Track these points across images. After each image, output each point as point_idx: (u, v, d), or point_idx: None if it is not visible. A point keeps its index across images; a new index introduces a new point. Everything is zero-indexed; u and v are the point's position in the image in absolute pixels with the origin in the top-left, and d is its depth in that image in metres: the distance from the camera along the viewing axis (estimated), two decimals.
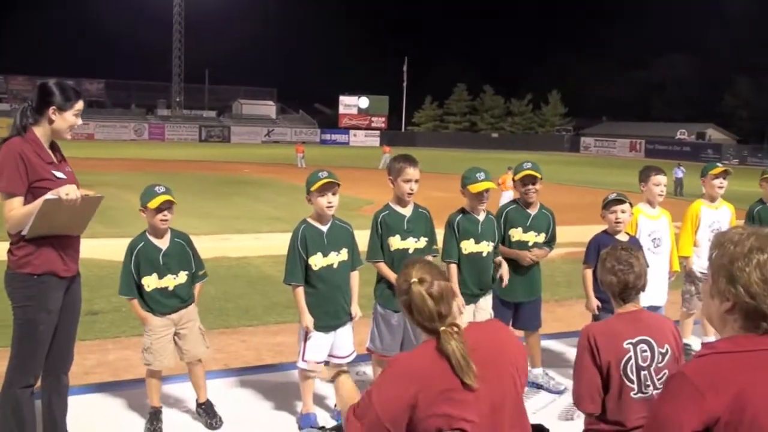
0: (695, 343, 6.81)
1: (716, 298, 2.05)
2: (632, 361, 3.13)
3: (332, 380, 2.97)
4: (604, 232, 5.59)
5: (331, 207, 4.84)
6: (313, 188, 4.79)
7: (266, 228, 16.10)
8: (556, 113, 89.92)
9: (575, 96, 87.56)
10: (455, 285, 5.35)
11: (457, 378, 2.37)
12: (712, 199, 6.70)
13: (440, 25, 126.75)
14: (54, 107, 3.94)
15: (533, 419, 2.77)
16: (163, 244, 4.85)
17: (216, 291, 9.40)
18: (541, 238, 5.81)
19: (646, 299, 3.39)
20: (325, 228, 4.91)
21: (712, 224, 6.54)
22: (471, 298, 5.38)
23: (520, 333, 5.82)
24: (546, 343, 6.55)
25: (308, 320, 4.83)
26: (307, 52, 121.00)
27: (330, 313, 4.92)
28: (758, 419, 1.89)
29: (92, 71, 79.82)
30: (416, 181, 5.11)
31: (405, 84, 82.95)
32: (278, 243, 12.99)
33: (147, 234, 4.87)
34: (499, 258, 5.56)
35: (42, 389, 4.25)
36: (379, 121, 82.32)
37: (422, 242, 5.18)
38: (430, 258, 5.26)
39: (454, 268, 5.37)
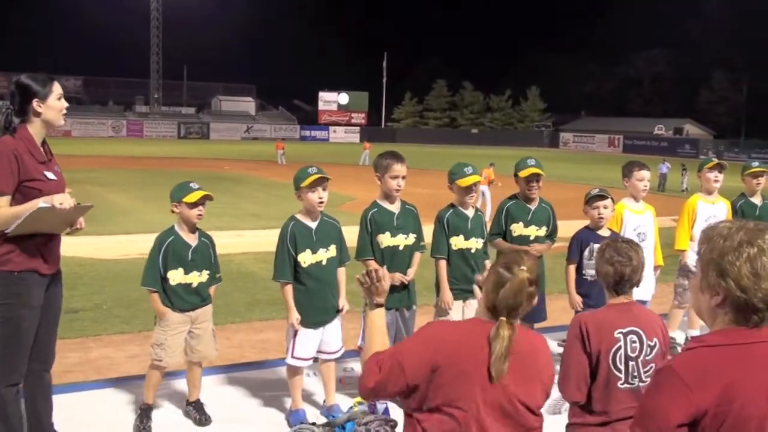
0: (679, 336, 6.89)
1: (706, 292, 2.07)
2: (621, 350, 3.17)
3: (366, 310, 2.97)
4: (587, 227, 5.63)
5: (322, 202, 4.86)
6: (303, 184, 4.80)
7: (247, 225, 16.04)
8: (535, 109, 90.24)
9: (554, 91, 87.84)
10: (444, 281, 5.38)
11: (484, 365, 2.49)
12: (709, 193, 6.79)
13: (420, 21, 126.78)
14: (36, 99, 3.90)
15: None
16: (192, 240, 4.86)
17: None
18: (542, 231, 5.87)
19: (634, 293, 3.43)
20: (313, 224, 4.91)
21: (708, 218, 6.56)
22: (460, 293, 5.39)
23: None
24: None
25: (295, 317, 4.83)
26: (286, 48, 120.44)
27: (319, 309, 4.93)
28: (746, 411, 1.91)
29: (69, 68, 78.70)
30: (403, 177, 5.13)
31: (385, 80, 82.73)
32: (260, 240, 13.03)
33: (176, 228, 4.86)
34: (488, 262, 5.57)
35: (24, 388, 4.20)
36: (359, 118, 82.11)
37: (411, 238, 5.20)
38: (418, 254, 5.29)
39: (443, 263, 5.39)
